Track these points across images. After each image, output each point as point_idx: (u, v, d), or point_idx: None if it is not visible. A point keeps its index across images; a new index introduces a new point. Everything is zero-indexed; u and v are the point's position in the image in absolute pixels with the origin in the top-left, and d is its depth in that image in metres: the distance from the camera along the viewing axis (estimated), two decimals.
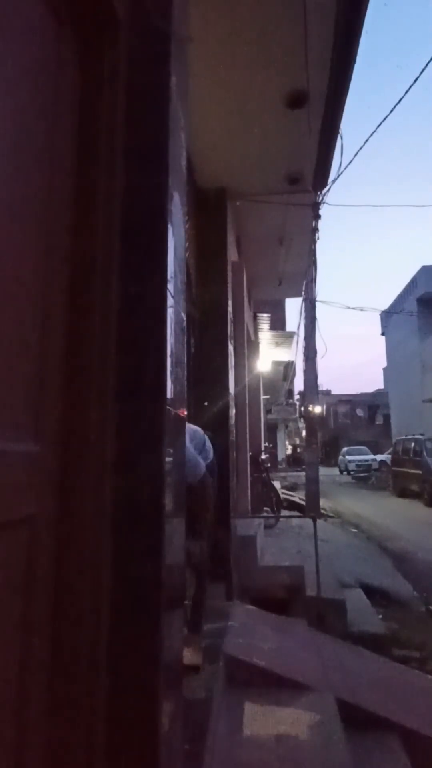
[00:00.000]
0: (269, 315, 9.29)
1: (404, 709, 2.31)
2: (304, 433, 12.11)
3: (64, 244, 1.26)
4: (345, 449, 30.95)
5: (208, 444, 3.11)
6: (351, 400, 44.87)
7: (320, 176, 4.15)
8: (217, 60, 2.82)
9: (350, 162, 4.89)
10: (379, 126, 4.29)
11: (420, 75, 3.62)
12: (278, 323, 13.17)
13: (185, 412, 1.56)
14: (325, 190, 4.85)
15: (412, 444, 15.00)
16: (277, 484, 9.30)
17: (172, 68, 1.47)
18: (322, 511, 10.43)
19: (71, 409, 1.23)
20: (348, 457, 28.90)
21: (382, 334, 32.16)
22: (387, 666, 2.93)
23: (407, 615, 4.52)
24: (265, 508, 7.47)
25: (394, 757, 2.03)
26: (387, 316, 28.96)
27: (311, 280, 8.60)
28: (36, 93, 1.15)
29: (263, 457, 7.94)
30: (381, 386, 38.81)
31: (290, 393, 25.16)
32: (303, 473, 11.66)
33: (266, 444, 10.63)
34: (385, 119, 4.18)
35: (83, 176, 1.32)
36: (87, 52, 1.37)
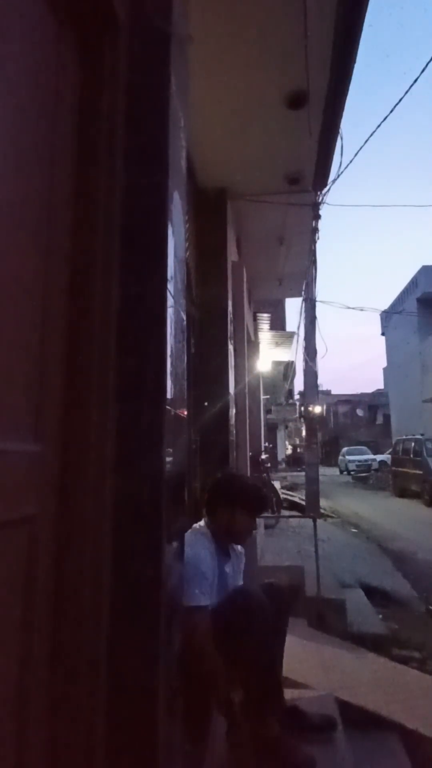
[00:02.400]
0: (269, 315, 9.29)
1: (404, 709, 2.31)
2: (304, 433, 12.12)
3: (64, 244, 1.26)
4: (345, 449, 30.95)
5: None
6: (351, 400, 44.88)
7: (320, 176, 4.15)
8: (217, 60, 2.82)
9: (350, 162, 4.89)
10: (379, 126, 4.29)
11: (420, 75, 3.62)
12: (278, 323, 13.17)
13: (185, 412, 1.57)
14: (325, 190, 4.86)
15: (412, 444, 15.01)
16: (277, 484, 9.31)
17: (172, 69, 1.47)
18: (322, 511, 10.43)
19: (71, 409, 1.23)
20: (348, 457, 28.89)
21: (382, 334, 32.18)
22: (387, 666, 2.93)
23: (407, 615, 4.52)
24: None
25: (394, 757, 2.03)
26: (387, 316, 28.98)
27: (311, 280, 8.61)
28: (36, 93, 1.15)
29: (263, 457, 7.95)
30: (381, 386, 38.84)
31: (290, 393, 25.16)
32: (303, 473, 11.68)
33: (266, 444, 10.64)
34: (385, 119, 4.18)
35: (83, 176, 1.33)
36: (87, 53, 1.37)
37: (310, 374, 10.53)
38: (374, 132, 4.27)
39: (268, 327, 9.44)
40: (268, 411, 18.99)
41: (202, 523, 2.14)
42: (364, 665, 2.66)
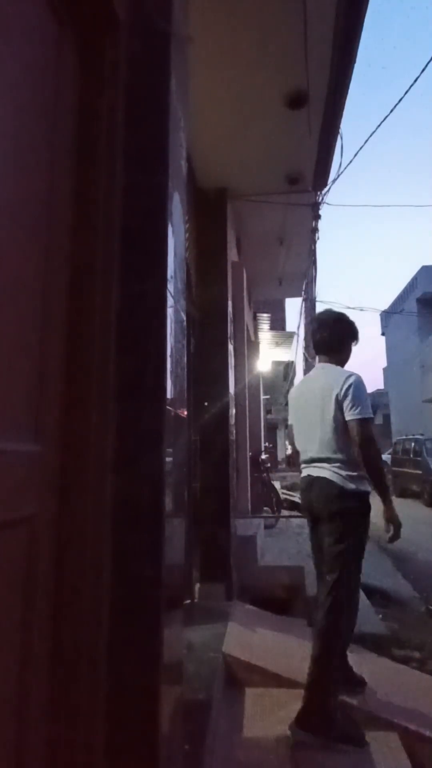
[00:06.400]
0: (269, 315, 9.30)
1: (404, 709, 2.31)
2: None
3: (64, 244, 1.26)
4: None
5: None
6: None
7: (320, 176, 4.15)
8: (217, 60, 2.82)
9: (350, 162, 4.91)
10: (379, 126, 4.30)
11: (420, 74, 3.62)
12: (278, 323, 13.16)
13: (185, 412, 1.57)
14: (325, 190, 4.87)
15: (412, 444, 15.00)
16: (277, 484, 9.30)
17: (172, 68, 1.47)
18: None
19: (71, 409, 1.23)
20: None
21: (382, 334, 32.19)
22: (387, 666, 2.93)
23: (407, 615, 4.52)
24: (265, 508, 7.47)
25: (394, 757, 2.03)
26: (387, 316, 29.00)
27: (311, 280, 8.61)
28: (36, 93, 1.15)
29: (263, 457, 7.94)
30: (381, 386, 38.81)
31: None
32: None
33: (266, 444, 10.63)
34: (385, 119, 4.19)
35: (83, 176, 1.33)
36: (87, 53, 1.37)
37: None
38: (374, 131, 4.28)
39: (268, 327, 9.44)
40: (268, 411, 18.99)
41: (326, 363, 2.42)
42: (363, 665, 2.65)
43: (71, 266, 1.28)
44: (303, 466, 2.42)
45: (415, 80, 3.69)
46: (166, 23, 1.48)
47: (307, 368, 10.40)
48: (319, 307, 8.49)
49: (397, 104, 4.04)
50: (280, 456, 30.01)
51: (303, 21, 2.51)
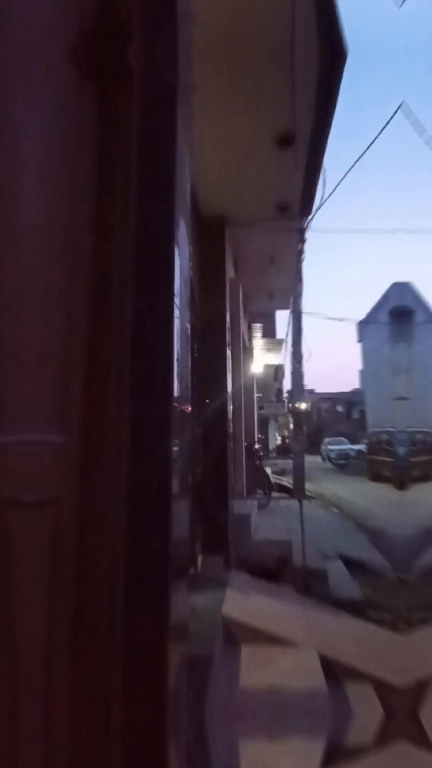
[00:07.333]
0: (262, 325, 9.30)
1: (377, 663, 2.31)
2: (291, 426, 12.10)
3: (87, 264, 1.26)
4: (327, 440, 30.78)
5: None
6: (332, 398, 44.74)
7: (306, 205, 4.16)
8: (216, 107, 2.83)
9: (332, 192, 4.89)
10: (357, 161, 4.30)
11: (386, 125, 3.63)
12: (269, 332, 13.14)
13: (189, 408, 1.57)
14: (310, 217, 4.87)
15: (385, 436, 15.03)
16: (268, 470, 9.31)
17: (178, 113, 1.47)
18: (307, 493, 10.43)
19: (92, 406, 1.24)
20: (329, 447, 28.72)
21: (359, 341, 32.17)
22: (363, 626, 2.93)
23: (380, 582, 4.52)
24: (258, 491, 7.48)
25: (368, 703, 2.04)
26: (363, 325, 28.98)
27: (298, 295, 8.61)
28: (63, 134, 1.16)
29: (256, 446, 7.95)
30: (357, 386, 38.78)
31: (280, 392, 25.15)
32: (291, 461, 11.66)
33: (259, 435, 10.64)
34: (363, 155, 4.19)
35: (102, 206, 1.33)
36: (105, 101, 1.37)
37: (297, 376, 10.53)
38: (353, 166, 4.28)
39: (261, 335, 9.44)
40: (260, 407, 18.94)
41: None
42: (343, 626, 2.66)
43: (92, 282, 1.28)
44: None
45: (393, 115, 3.69)
46: (173, 74, 1.48)
47: (294, 371, 10.41)
48: (305, 318, 8.44)
49: (374, 140, 4.02)
50: (271, 446, 29.98)
51: (291, 74, 2.52)
